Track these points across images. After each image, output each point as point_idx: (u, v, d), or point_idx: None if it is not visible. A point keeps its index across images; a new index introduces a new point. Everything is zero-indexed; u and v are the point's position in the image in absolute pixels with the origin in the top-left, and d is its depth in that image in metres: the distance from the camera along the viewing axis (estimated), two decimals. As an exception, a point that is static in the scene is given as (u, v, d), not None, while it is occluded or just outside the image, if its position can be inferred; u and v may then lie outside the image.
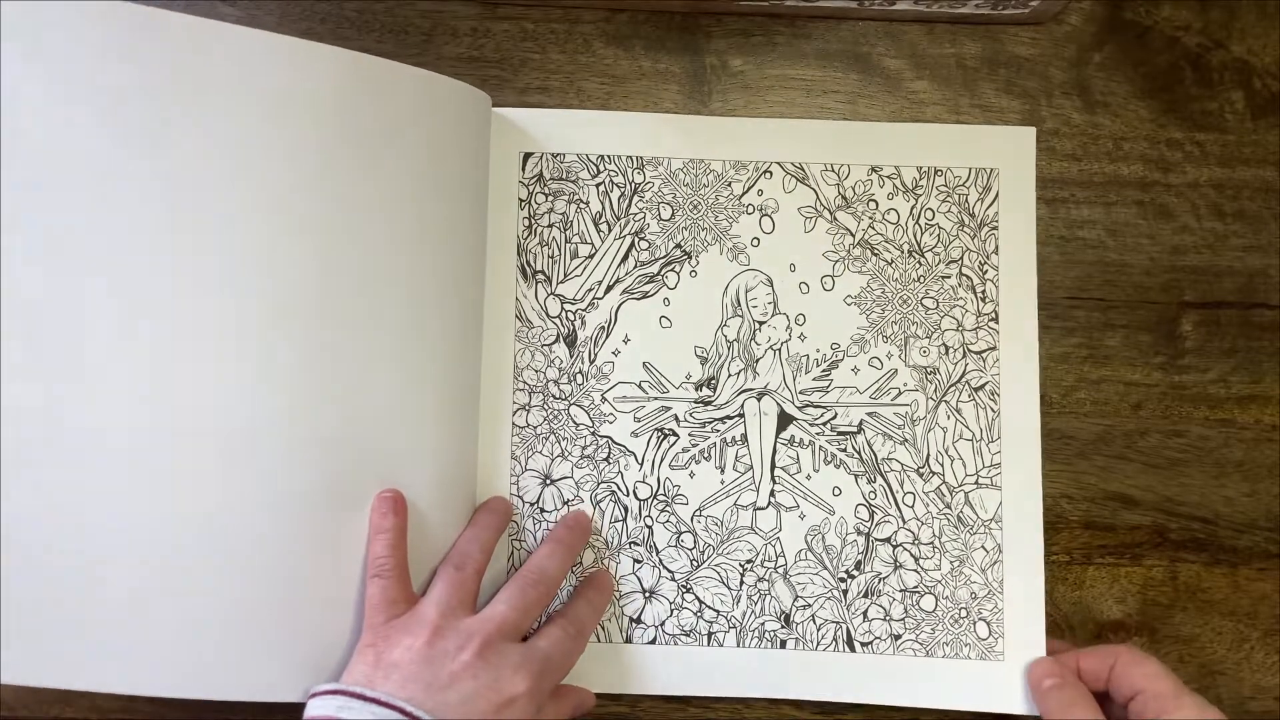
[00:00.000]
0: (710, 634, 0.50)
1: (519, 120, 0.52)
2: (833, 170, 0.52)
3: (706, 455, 0.51)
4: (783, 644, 0.50)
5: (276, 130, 0.43)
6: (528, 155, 0.52)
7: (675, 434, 0.51)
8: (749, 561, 0.50)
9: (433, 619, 0.42)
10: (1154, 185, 0.52)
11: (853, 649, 0.50)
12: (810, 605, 0.50)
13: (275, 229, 0.43)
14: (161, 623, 0.41)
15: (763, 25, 0.53)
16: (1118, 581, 0.51)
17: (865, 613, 0.50)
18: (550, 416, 0.51)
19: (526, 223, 0.52)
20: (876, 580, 0.50)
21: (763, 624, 0.50)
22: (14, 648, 0.40)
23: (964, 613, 0.50)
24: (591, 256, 0.52)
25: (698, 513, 0.51)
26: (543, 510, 0.51)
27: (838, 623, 0.50)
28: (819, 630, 0.50)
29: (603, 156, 0.52)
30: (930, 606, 0.50)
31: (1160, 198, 0.52)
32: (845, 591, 0.50)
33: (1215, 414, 0.52)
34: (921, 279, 0.51)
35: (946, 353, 0.51)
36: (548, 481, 0.51)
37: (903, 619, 0.50)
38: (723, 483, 0.51)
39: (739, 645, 0.50)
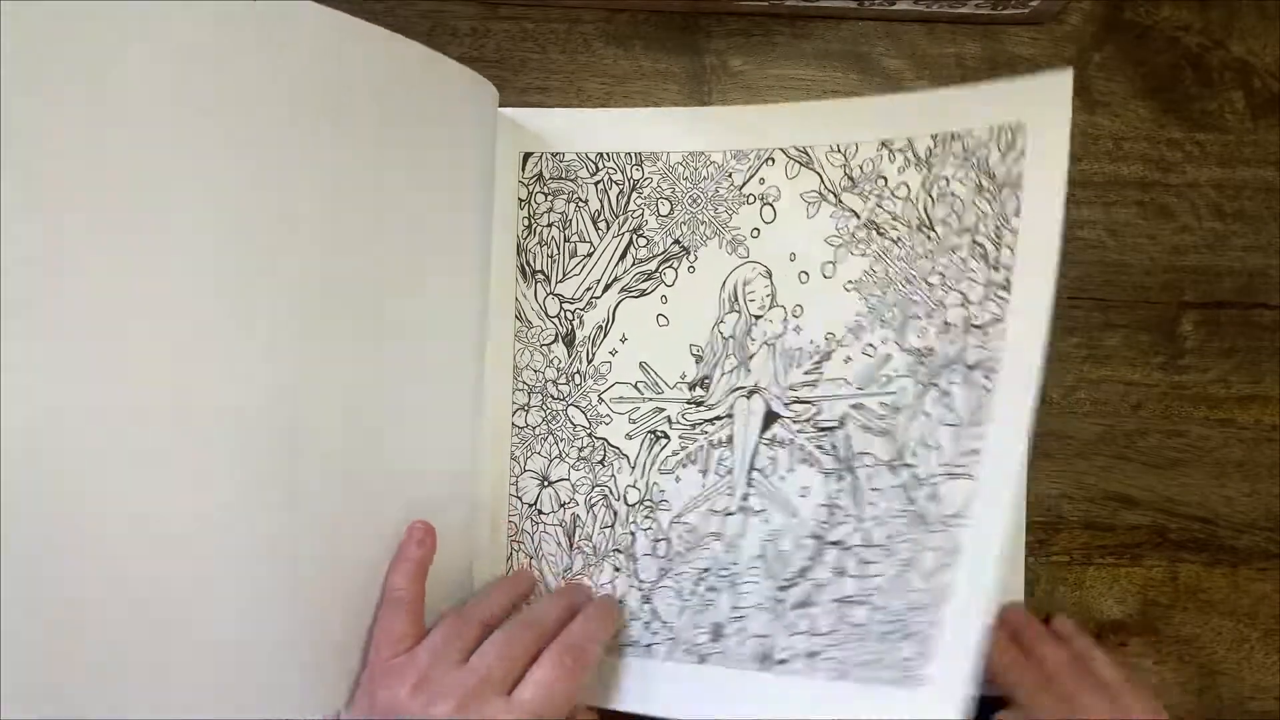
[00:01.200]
0: (650, 645, 0.49)
1: (519, 120, 0.52)
2: (839, 150, 0.50)
3: (693, 459, 0.50)
4: (703, 659, 0.48)
5: (289, 102, 0.42)
6: (528, 155, 0.52)
7: (667, 436, 0.51)
8: (705, 570, 0.49)
9: (421, 667, 0.41)
10: (1154, 185, 0.52)
11: (767, 668, 0.47)
12: (744, 617, 0.48)
13: (279, 220, 0.42)
14: (174, 645, 0.40)
15: (763, 25, 0.53)
16: (1118, 581, 0.51)
17: (794, 625, 0.47)
18: (549, 417, 0.51)
19: (526, 222, 0.52)
20: (814, 589, 0.47)
21: (694, 637, 0.48)
22: (16, 679, 0.37)
23: (895, 626, 0.45)
24: (590, 255, 0.52)
25: (676, 519, 0.50)
26: (540, 512, 0.51)
27: (763, 636, 0.47)
28: (741, 645, 0.48)
29: (602, 154, 0.52)
30: (861, 619, 0.46)
31: (1160, 198, 0.52)
32: (781, 601, 0.48)
33: (1215, 414, 0.52)
34: (929, 254, 0.48)
35: (946, 330, 0.48)
36: (545, 483, 0.51)
37: (829, 633, 0.47)
38: (703, 487, 0.50)
39: (668, 659, 0.48)
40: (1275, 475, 0.51)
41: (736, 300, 0.51)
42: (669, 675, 0.48)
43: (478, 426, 0.50)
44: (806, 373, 0.50)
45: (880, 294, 0.49)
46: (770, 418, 0.50)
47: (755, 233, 0.51)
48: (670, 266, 0.51)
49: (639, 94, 0.53)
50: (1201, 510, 0.51)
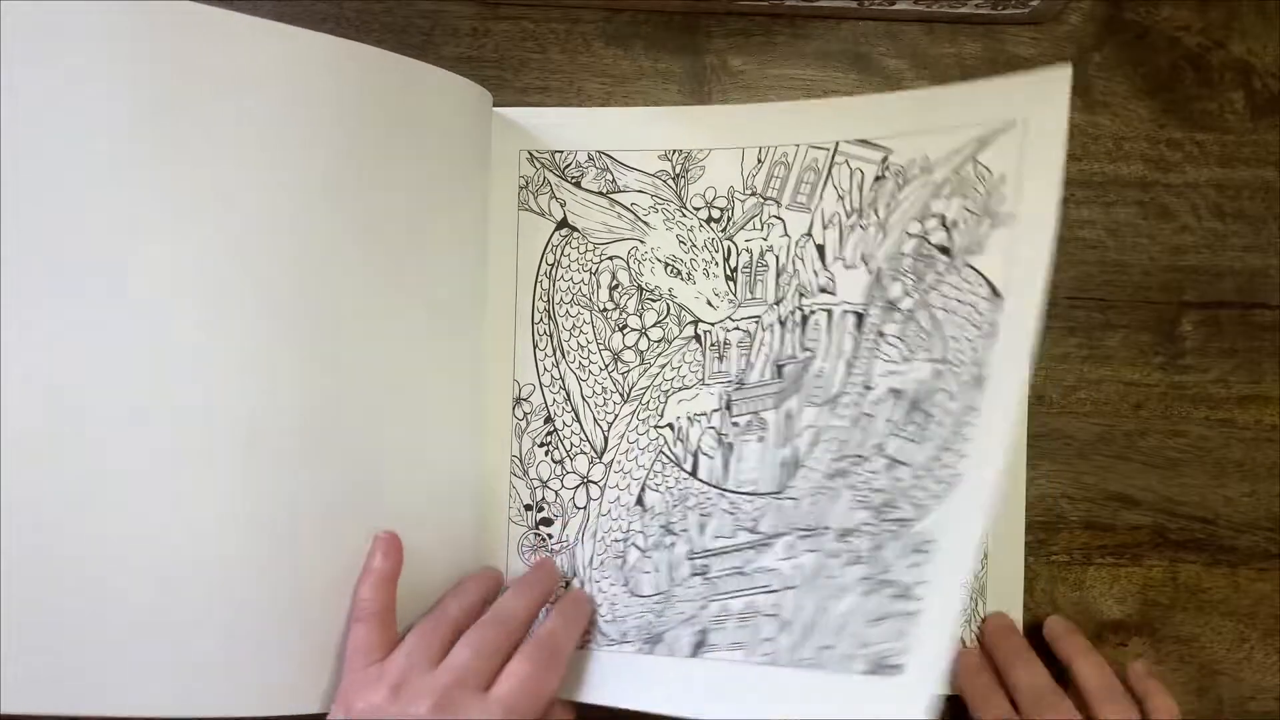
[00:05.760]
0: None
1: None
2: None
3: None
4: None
5: (283, 124, 0.42)
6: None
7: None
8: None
9: (395, 674, 0.41)
10: (1154, 185, 0.52)
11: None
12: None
13: (276, 228, 0.42)
14: (168, 638, 0.41)
15: (763, 25, 0.53)
16: (1118, 581, 0.51)
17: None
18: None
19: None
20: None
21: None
22: (15, 673, 0.39)
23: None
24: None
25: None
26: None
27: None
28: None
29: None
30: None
31: (1160, 198, 0.52)
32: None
33: (1215, 414, 0.52)
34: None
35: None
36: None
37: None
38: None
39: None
40: (1275, 475, 0.51)
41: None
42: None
43: (479, 428, 0.50)
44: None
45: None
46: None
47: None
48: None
49: (639, 94, 0.53)
50: (1201, 510, 0.51)
